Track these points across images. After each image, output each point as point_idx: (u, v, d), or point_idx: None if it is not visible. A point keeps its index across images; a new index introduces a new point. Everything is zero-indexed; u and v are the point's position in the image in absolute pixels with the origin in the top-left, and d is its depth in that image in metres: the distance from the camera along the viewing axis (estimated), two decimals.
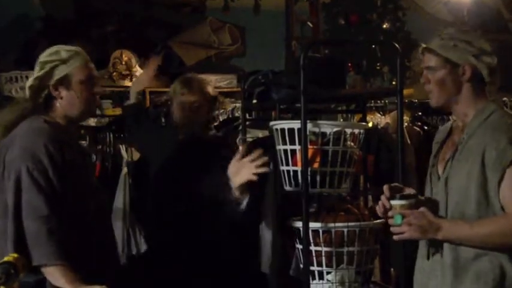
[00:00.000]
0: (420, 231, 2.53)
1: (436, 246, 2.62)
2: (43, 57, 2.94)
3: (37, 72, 2.93)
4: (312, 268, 3.22)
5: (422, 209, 2.55)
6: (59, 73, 2.90)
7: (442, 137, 2.78)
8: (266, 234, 3.67)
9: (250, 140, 4.32)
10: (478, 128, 2.59)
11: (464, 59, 2.61)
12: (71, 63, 2.91)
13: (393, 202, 2.59)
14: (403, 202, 2.57)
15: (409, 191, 2.70)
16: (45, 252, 2.69)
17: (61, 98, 2.92)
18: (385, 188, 2.65)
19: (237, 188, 3.25)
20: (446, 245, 2.59)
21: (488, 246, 2.52)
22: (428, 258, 2.66)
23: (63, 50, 2.94)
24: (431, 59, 2.65)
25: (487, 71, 2.61)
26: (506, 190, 2.49)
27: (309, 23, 8.47)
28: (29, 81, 2.95)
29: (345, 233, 3.21)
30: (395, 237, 2.57)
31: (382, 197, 2.64)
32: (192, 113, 3.81)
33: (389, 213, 2.58)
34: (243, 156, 3.24)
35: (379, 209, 2.66)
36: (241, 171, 3.22)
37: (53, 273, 2.70)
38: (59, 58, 2.92)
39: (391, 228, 2.58)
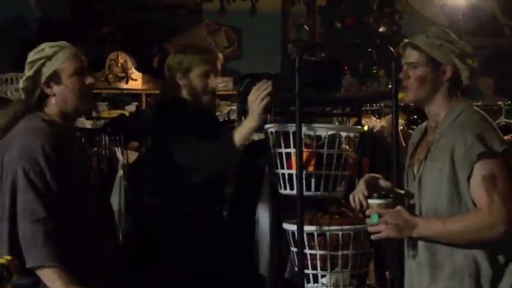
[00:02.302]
0: (396, 230, 2.55)
1: (414, 244, 2.66)
2: (30, 57, 2.92)
3: (27, 72, 2.91)
4: (306, 271, 3.21)
5: (398, 207, 2.58)
6: (47, 70, 2.87)
7: (417, 138, 2.81)
8: (264, 237, 3.67)
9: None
10: (449, 127, 2.62)
11: (447, 59, 2.63)
12: (56, 58, 2.88)
13: (370, 201, 2.61)
14: (380, 201, 2.59)
15: (386, 184, 2.72)
16: (42, 254, 2.68)
17: (54, 94, 2.89)
18: (362, 184, 2.67)
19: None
20: (422, 243, 2.62)
21: (462, 243, 2.54)
22: (409, 256, 2.68)
23: (47, 47, 2.91)
24: (414, 55, 2.67)
25: (468, 73, 2.64)
26: (475, 185, 2.52)
27: (305, 26, 8.48)
28: (21, 83, 2.94)
29: (340, 236, 3.20)
30: (372, 236, 2.60)
31: (360, 194, 2.67)
32: (208, 82, 3.62)
33: (367, 212, 2.61)
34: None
35: (353, 203, 2.68)
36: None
37: (49, 275, 2.68)
38: (44, 55, 2.88)
39: (368, 228, 2.60)
